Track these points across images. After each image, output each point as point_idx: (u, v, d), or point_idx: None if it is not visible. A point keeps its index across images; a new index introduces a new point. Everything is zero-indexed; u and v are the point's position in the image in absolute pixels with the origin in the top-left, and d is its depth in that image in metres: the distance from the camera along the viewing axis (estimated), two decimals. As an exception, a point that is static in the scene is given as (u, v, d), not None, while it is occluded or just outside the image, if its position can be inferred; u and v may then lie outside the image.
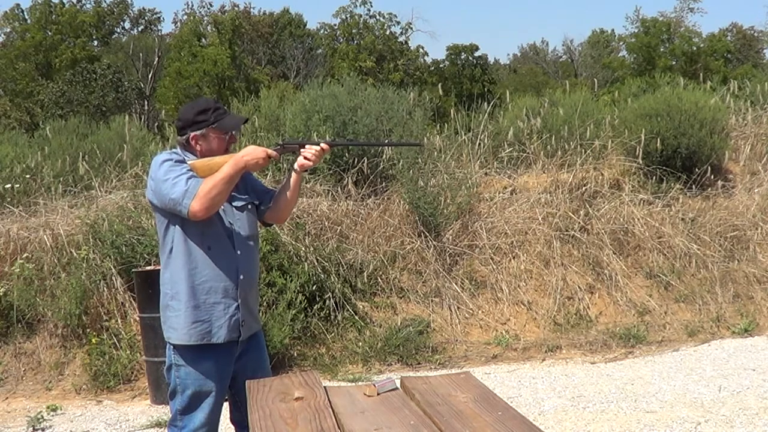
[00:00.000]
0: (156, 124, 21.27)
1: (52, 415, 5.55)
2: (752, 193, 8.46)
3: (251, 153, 2.99)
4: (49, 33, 33.63)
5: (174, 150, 3.11)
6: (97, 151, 8.30)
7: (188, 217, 2.91)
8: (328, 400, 2.40)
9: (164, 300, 3.09)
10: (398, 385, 2.58)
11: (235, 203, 3.13)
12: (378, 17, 37.37)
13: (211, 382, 3.06)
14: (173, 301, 3.05)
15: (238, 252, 3.07)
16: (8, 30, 35.32)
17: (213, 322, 3.03)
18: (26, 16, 35.20)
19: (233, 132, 3.09)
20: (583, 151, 8.29)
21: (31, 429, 5.28)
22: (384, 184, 7.80)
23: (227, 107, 9.26)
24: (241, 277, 3.09)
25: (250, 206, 3.18)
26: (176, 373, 3.09)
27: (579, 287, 7.32)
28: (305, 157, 3.07)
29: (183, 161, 2.99)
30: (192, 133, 3.02)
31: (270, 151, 3.02)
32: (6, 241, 6.80)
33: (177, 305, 3.03)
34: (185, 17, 37.35)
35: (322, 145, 3.09)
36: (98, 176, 7.69)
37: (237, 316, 3.08)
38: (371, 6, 37.27)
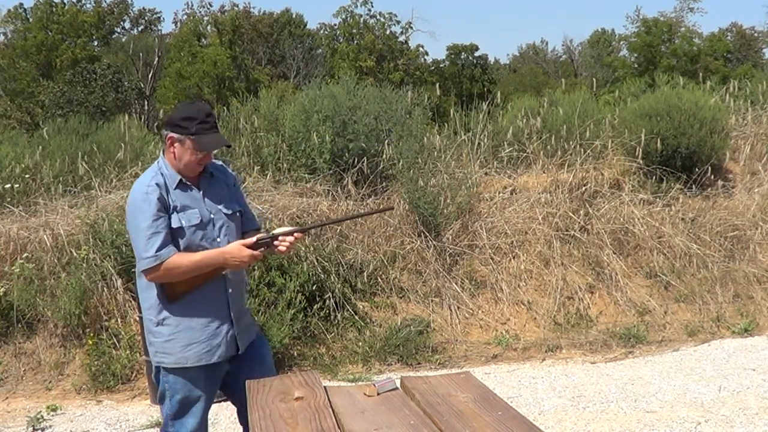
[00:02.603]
0: (156, 124, 21.24)
1: (52, 415, 5.55)
2: (752, 193, 8.46)
3: (237, 255, 2.96)
4: (51, 33, 33.61)
5: (154, 167, 3.05)
6: (97, 151, 8.29)
7: (140, 269, 2.96)
8: (328, 400, 2.40)
9: (149, 325, 3.06)
10: (398, 385, 2.58)
11: (226, 210, 3.09)
12: (378, 17, 37.36)
13: (199, 390, 3.05)
14: (161, 327, 3.01)
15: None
16: (11, 29, 35.30)
17: (210, 342, 3.01)
18: (28, 16, 35.19)
19: (207, 152, 3.04)
20: (583, 151, 8.29)
21: (31, 429, 5.28)
22: (384, 184, 7.80)
23: (226, 107, 9.25)
24: (230, 290, 3.06)
25: (239, 214, 3.16)
26: (164, 378, 3.07)
27: (579, 287, 7.32)
28: (280, 251, 3.07)
29: (161, 197, 2.93)
30: (170, 134, 2.99)
31: (256, 253, 3.00)
32: (6, 241, 6.80)
33: (165, 330, 3.00)
34: (185, 17, 37.36)
35: (296, 235, 3.09)
36: (98, 176, 7.68)
37: (232, 331, 3.06)
38: (371, 6, 37.23)
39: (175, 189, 2.99)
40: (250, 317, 3.29)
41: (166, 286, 2.98)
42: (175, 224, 2.95)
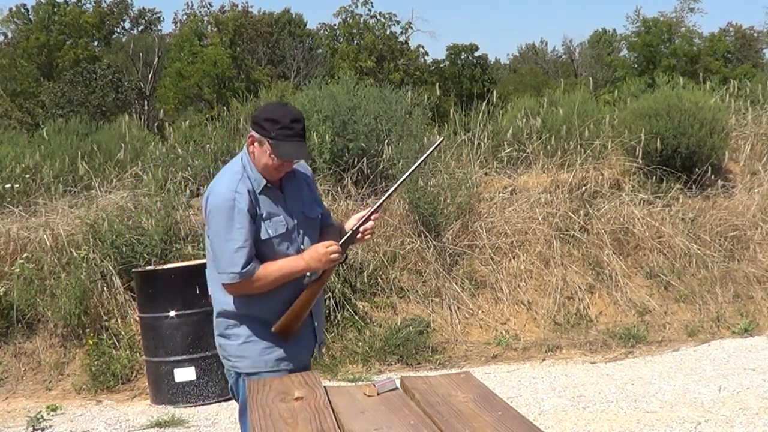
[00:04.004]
0: (156, 124, 21.25)
1: (52, 415, 5.55)
2: (752, 193, 8.45)
3: (315, 253, 2.78)
4: (52, 33, 33.60)
5: (238, 167, 2.83)
6: (97, 151, 8.30)
7: (222, 281, 2.79)
8: (328, 400, 2.40)
9: (224, 329, 2.87)
10: (398, 385, 2.58)
11: (309, 213, 2.94)
12: (378, 17, 37.36)
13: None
14: (239, 328, 2.84)
15: (308, 274, 2.87)
16: (12, 28, 35.29)
17: (294, 346, 2.86)
18: (30, 16, 35.18)
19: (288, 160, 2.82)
20: (582, 150, 8.29)
21: (31, 429, 5.28)
22: (384, 184, 7.79)
23: (226, 107, 9.26)
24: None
25: (320, 216, 3.01)
26: (248, 379, 2.84)
27: (579, 287, 7.32)
28: (366, 239, 2.94)
29: (251, 206, 2.74)
30: (252, 133, 2.82)
31: (332, 249, 2.79)
32: (6, 241, 6.80)
33: (244, 332, 2.83)
34: (185, 17, 37.35)
35: (373, 217, 2.92)
36: (98, 176, 7.69)
37: (315, 342, 2.97)
38: (372, 6, 37.17)
39: (260, 194, 2.80)
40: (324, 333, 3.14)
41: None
42: (263, 236, 2.78)
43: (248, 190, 2.77)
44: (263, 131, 2.77)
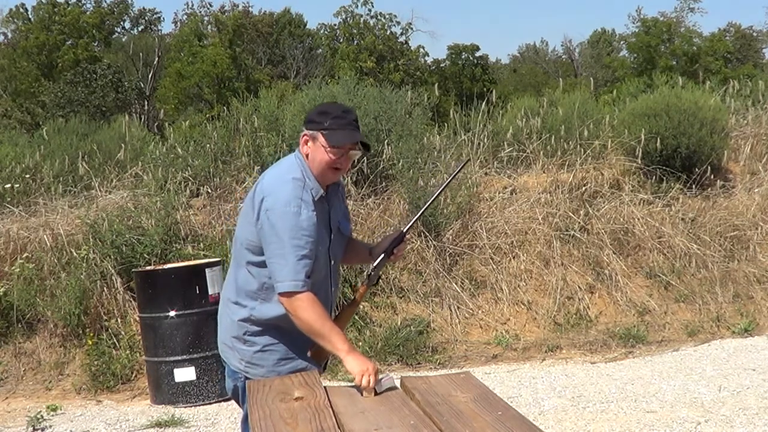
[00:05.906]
0: (156, 124, 21.26)
1: (52, 415, 5.55)
2: (752, 193, 8.45)
3: (364, 364, 2.53)
4: (52, 33, 33.59)
5: (297, 171, 2.67)
6: (97, 151, 8.30)
7: (276, 291, 2.61)
8: (328, 400, 2.40)
9: (242, 333, 2.74)
10: (398, 384, 2.58)
11: (344, 230, 2.86)
12: (378, 17, 37.34)
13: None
14: (259, 337, 2.73)
15: (333, 288, 2.84)
16: (12, 28, 35.28)
17: (306, 357, 2.80)
18: (30, 16, 35.17)
19: (342, 153, 2.68)
20: (582, 150, 8.29)
21: (31, 429, 5.29)
22: (384, 184, 7.80)
23: (226, 107, 9.25)
24: (335, 312, 2.90)
25: (350, 232, 2.95)
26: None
27: (579, 287, 7.32)
28: (399, 256, 2.95)
29: (315, 212, 2.61)
30: (306, 131, 2.70)
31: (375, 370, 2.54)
32: (6, 241, 6.81)
33: (262, 341, 2.73)
34: (185, 17, 37.35)
35: (406, 238, 2.93)
36: (98, 176, 7.69)
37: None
38: (372, 6, 37.12)
39: (317, 204, 2.66)
40: None
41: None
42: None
43: (313, 200, 2.64)
44: (316, 125, 2.68)
